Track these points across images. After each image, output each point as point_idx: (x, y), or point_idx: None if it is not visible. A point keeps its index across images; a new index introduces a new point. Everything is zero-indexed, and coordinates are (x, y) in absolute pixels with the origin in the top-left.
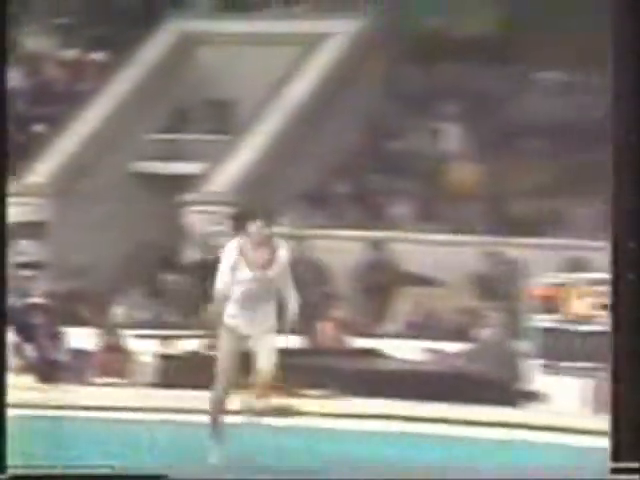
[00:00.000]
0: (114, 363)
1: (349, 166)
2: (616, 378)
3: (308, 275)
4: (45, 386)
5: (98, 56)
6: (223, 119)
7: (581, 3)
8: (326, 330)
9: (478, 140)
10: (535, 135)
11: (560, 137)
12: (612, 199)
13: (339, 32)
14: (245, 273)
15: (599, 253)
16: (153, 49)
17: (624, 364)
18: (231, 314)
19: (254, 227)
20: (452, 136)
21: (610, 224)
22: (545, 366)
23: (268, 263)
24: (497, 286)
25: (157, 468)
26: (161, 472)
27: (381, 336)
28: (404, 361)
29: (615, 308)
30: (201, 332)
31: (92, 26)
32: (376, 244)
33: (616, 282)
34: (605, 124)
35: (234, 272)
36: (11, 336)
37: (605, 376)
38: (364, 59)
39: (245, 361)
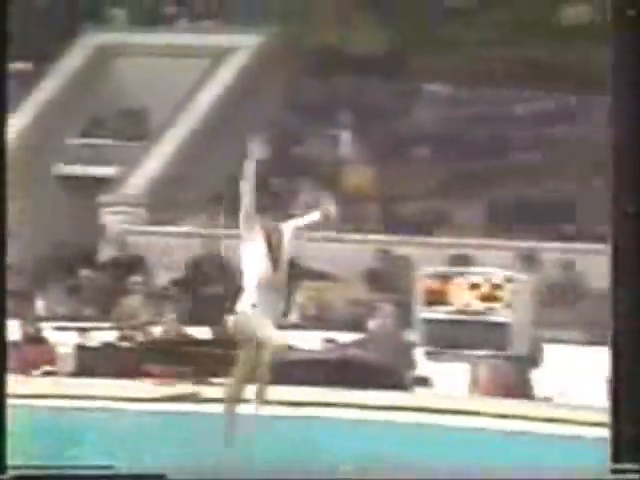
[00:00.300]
0: (35, 354)
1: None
2: (617, 378)
3: (215, 271)
4: None
5: (21, 67)
6: (137, 126)
7: (467, 21)
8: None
9: (371, 147)
10: (423, 143)
11: (445, 145)
12: (612, 199)
13: (244, 46)
14: (266, 261)
15: (480, 250)
16: (72, 60)
17: (625, 364)
18: (252, 302)
19: (263, 221)
20: (348, 143)
21: (610, 224)
22: (432, 353)
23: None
24: (388, 280)
25: (155, 468)
26: (159, 472)
27: (282, 327)
28: (303, 350)
29: (615, 307)
30: (117, 324)
31: (15, 39)
32: None
33: (616, 280)
34: (484, 132)
35: (259, 259)
36: None
37: (489, 362)
38: (267, 71)
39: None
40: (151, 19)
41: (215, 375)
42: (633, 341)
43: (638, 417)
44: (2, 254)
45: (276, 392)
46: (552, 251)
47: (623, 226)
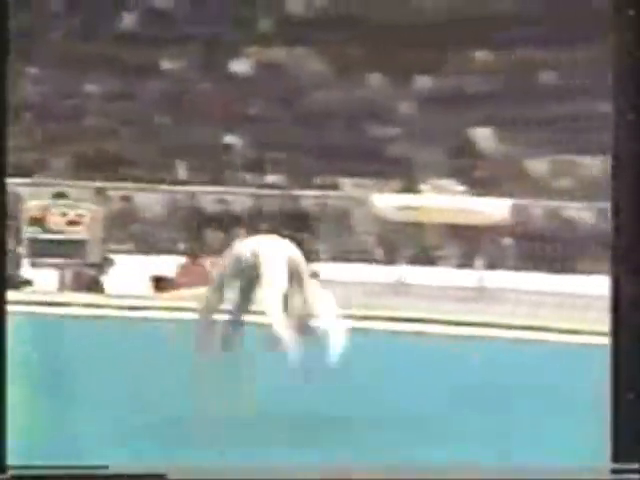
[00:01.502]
0: None
1: None
2: (616, 377)
3: None
4: None
5: None
6: None
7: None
8: None
9: None
10: (26, 110)
11: (42, 111)
12: (612, 199)
13: None
14: None
15: (73, 188)
16: None
17: (624, 362)
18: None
19: None
20: None
21: (611, 223)
22: (34, 263)
23: None
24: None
25: (155, 467)
26: (159, 471)
27: None
28: None
29: (615, 308)
30: None
31: None
32: None
33: (617, 278)
34: None
35: None
36: None
37: (73, 268)
38: None
39: None
40: None
41: None
42: (633, 335)
43: (638, 416)
44: (2, 253)
45: None
46: (117, 189)
47: (623, 225)
